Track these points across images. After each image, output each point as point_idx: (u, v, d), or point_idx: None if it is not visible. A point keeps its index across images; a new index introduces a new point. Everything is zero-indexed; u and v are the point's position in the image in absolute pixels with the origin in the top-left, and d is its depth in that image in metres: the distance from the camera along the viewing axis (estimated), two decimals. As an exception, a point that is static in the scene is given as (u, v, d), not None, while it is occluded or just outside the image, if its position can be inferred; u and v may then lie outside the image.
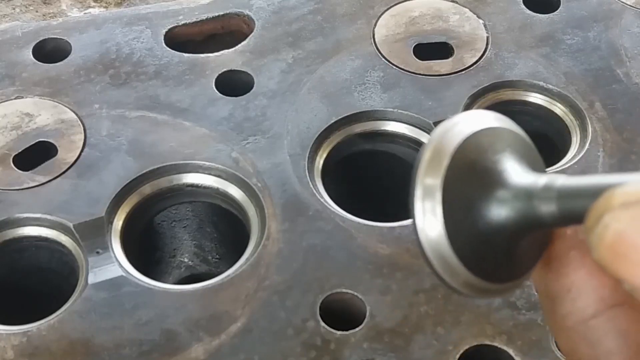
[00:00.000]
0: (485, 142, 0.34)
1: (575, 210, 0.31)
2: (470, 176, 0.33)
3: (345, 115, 0.71)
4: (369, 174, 0.78)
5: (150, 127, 0.70)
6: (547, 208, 0.32)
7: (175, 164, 0.68)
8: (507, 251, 0.33)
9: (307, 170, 0.68)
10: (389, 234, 0.64)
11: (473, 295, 0.34)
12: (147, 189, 0.67)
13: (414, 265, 0.62)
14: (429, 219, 0.32)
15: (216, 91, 0.73)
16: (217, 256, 0.79)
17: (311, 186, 0.67)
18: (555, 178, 0.32)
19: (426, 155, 0.33)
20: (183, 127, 0.70)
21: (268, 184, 0.66)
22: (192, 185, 0.68)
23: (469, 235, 0.33)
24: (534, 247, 0.34)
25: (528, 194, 0.32)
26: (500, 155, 0.34)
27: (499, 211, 0.32)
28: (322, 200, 0.66)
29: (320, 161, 0.70)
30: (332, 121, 0.71)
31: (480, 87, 0.74)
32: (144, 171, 0.67)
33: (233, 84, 0.74)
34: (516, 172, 0.33)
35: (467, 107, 0.72)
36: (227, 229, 0.77)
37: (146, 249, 0.76)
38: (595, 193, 0.30)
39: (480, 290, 0.34)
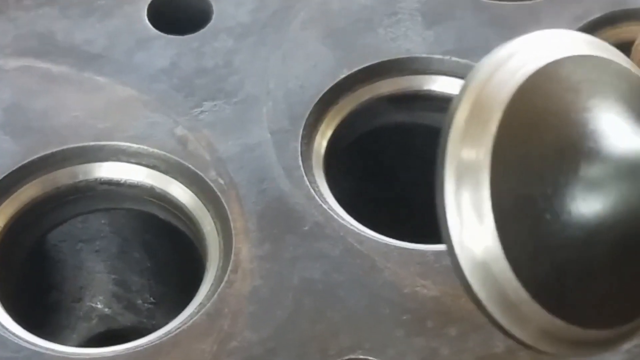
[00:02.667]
0: (562, 83, 0.34)
1: None
2: (538, 142, 0.33)
3: (364, 65, 0.72)
4: (402, 164, 0.78)
5: (40, 84, 0.70)
6: None
7: (81, 146, 0.68)
8: (607, 273, 0.33)
9: (300, 158, 0.68)
10: (436, 263, 0.63)
11: (557, 351, 0.35)
12: (34, 188, 0.67)
13: (476, 315, 0.56)
14: (471, 225, 0.32)
15: (150, 25, 0.73)
16: (152, 299, 0.79)
17: (307, 183, 0.66)
18: None
19: (462, 110, 0.33)
20: (95, 86, 0.70)
21: (236, 180, 0.66)
22: (109, 182, 0.69)
23: (540, 250, 0.33)
24: None
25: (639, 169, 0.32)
26: (590, 104, 0.33)
27: (591, 202, 0.32)
28: (325, 206, 0.66)
29: (322, 142, 0.70)
30: (343, 76, 0.71)
31: (588, 20, 0.73)
32: (30, 159, 0.67)
33: (178, 14, 0.75)
34: (618, 131, 0.33)
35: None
36: (167, 255, 0.77)
37: (34, 287, 0.75)
38: None
39: (568, 342, 0.34)
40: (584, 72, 0.34)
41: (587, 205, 0.32)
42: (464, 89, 0.34)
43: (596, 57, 0.35)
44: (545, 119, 0.33)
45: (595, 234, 0.32)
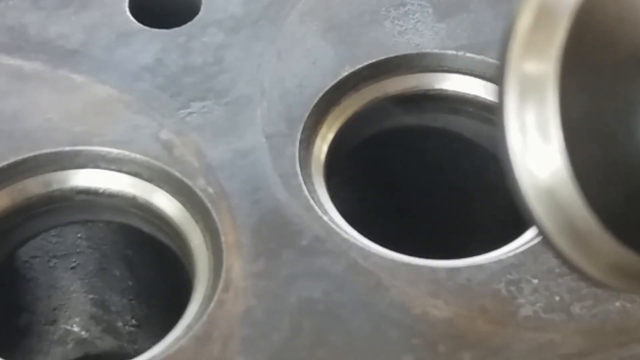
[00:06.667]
0: None
1: None
2: (611, 53, 0.32)
3: (369, 62, 0.72)
4: (411, 171, 0.78)
5: (10, 84, 0.71)
6: None
7: (55, 152, 0.68)
8: None
9: (298, 165, 0.68)
10: (448, 281, 0.63)
11: (628, 288, 0.35)
12: (3, 198, 0.67)
13: (493, 338, 0.61)
14: (536, 146, 0.32)
15: (132, 18, 0.74)
16: (134, 321, 0.79)
17: (306, 193, 0.66)
18: None
19: (525, 16, 0.32)
20: (71, 85, 0.70)
21: (227, 189, 0.66)
22: (86, 192, 0.69)
23: (613, 174, 0.33)
24: None
25: None
26: None
27: None
28: (325, 218, 0.66)
29: (323, 147, 0.71)
30: (345, 73, 0.71)
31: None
32: (-1, 165, 0.66)
33: (162, 6, 0.75)
34: None
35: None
36: (151, 272, 0.77)
37: (2, 309, 0.75)
38: None
39: None
40: None
41: None
42: None
43: None
44: (621, 25, 0.33)
45: None
